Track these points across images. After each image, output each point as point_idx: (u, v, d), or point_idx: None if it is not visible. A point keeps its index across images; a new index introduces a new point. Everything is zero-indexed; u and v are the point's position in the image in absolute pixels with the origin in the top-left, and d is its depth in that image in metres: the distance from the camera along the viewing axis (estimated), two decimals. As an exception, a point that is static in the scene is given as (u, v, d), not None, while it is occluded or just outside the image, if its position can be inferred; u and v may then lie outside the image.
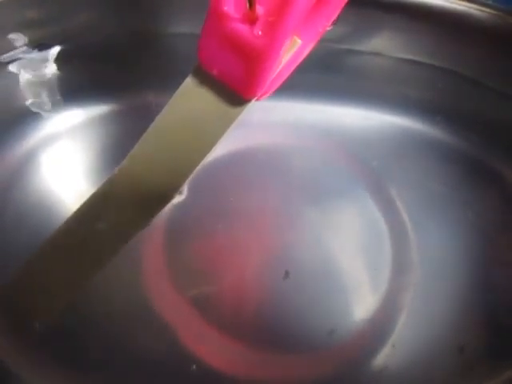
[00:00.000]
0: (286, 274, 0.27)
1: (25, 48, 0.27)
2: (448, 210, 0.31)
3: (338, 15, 0.21)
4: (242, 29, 0.17)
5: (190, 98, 0.20)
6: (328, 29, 0.21)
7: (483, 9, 0.28)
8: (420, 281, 0.28)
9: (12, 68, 0.27)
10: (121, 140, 0.29)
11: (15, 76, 0.28)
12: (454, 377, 0.26)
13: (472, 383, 0.26)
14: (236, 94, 0.19)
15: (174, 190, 0.20)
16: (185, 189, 0.28)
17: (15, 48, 0.27)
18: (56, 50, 0.28)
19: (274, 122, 0.32)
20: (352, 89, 0.33)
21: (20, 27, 0.26)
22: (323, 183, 0.31)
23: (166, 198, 0.21)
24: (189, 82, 0.20)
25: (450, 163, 0.32)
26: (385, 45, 0.30)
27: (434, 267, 0.29)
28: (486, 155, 0.32)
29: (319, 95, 0.33)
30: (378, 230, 0.30)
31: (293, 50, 0.19)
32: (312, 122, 0.32)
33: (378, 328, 0.27)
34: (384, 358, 0.26)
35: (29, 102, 0.29)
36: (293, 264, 0.28)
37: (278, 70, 0.19)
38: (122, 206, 0.21)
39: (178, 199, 0.28)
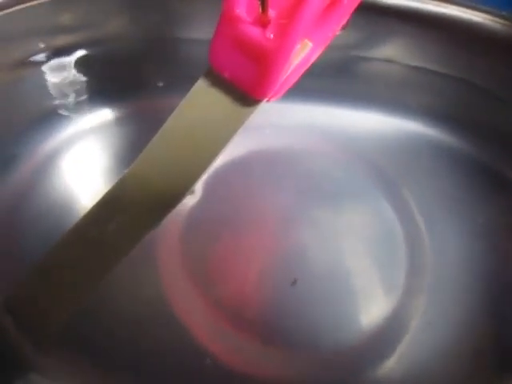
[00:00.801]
0: (295, 279, 0.27)
1: (53, 51, 0.28)
2: (461, 214, 0.31)
3: (349, 21, 0.21)
4: (254, 31, 0.18)
5: (201, 99, 0.20)
6: (338, 33, 0.21)
7: (496, 19, 0.28)
8: (434, 283, 0.28)
9: (40, 69, 0.28)
10: (140, 141, 0.30)
11: (43, 77, 0.28)
12: (468, 380, 0.26)
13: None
14: (246, 96, 0.20)
15: (185, 191, 0.20)
16: (199, 189, 0.28)
17: (45, 50, 0.27)
18: (82, 53, 0.29)
19: (286, 125, 0.32)
20: (365, 94, 0.33)
21: (51, 31, 0.27)
22: (337, 186, 0.31)
23: (176, 199, 0.21)
24: (200, 84, 0.20)
25: (462, 168, 0.33)
26: (397, 52, 0.31)
27: (447, 270, 0.29)
28: (496, 162, 0.32)
29: (332, 99, 0.33)
30: (392, 233, 0.30)
31: (304, 53, 0.19)
32: (325, 126, 0.33)
33: (391, 330, 0.27)
34: (397, 360, 0.26)
35: (55, 102, 0.30)
36: (305, 266, 0.28)
37: (289, 71, 0.19)
38: (132, 207, 0.21)
39: (191, 200, 0.28)
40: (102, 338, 0.25)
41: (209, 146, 0.20)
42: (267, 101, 0.20)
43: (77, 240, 0.22)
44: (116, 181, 0.21)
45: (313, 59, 0.20)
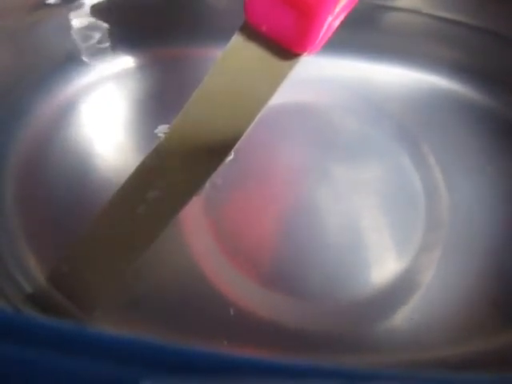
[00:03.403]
0: (317, 227, 0.27)
1: None
2: (482, 170, 0.31)
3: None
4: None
5: (239, 55, 0.20)
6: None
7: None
8: (450, 239, 0.28)
9: (61, 12, 0.27)
10: (161, 90, 0.29)
11: (64, 21, 0.28)
12: (492, 329, 0.26)
13: (508, 335, 0.26)
14: (286, 50, 0.19)
15: (227, 150, 0.20)
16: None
17: None
18: None
19: (306, 78, 0.31)
20: (387, 46, 0.32)
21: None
22: (356, 140, 0.31)
23: (218, 160, 0.20)
24: (236, 40, 0.20)
25: (485, 124, 0.32)
26: (423, 2, 0.30)
27: (464, 225, 0.29)
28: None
29: (353, 52, 0.32)
30: (411, 188, 0.30)
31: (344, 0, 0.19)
32: (345, 79, 0.32)
33: (405, 283, 0.27)
34: (409, 312, 0.26)
35: (76, 47, 0.29)
36: (324, 219, 0.28)
37: (329, 21, 0.18)
38: (173, 173, 0.21)
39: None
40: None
41: (250, 103, 0.20)
42: (307, 54, 0.19)
43: (117, 211, 0.21)
44: (139, 130, 0.20)
45: (352, 6, 0.20)
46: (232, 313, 0.24)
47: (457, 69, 0.32)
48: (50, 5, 0.26)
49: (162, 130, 0.24)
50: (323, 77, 0.32)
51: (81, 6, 0.27)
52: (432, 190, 0.30)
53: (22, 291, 0.23)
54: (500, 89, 0.32)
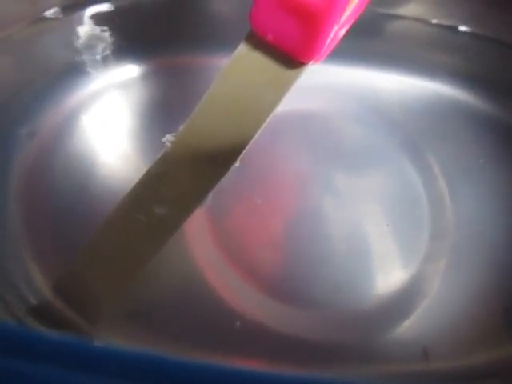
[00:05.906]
0: (322, 236, 0.27)
1: (76, 3, 0.27)
2: (484, 177, 0.31)
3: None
4: (301, -11, 0.17)
5: (244, 64, 0.20)
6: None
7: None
8: (454, 248, 0.28)
9: (64, 22, 0.27)
10: (165, 98, 0.30)
11: (67, 31, 0.28)
12: (499, 339, 0.26)
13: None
14: (292, 58, 0.19)
15: (233, 159, 0.20)
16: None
17: (67, 2, 0.27)
18: (106, 6, 0.28)
19: (309, 85, 0.31)
20: (390, 54, 0.32)
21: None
22: (359, 148, 0.31)
23: (224, 168, 0.20)
24: (242, 49, 0.20)
25: (488, 131, 0.32)
26: (427, 10, 0.30)
27: (468, 234, 0.28)
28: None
29: (356, 60, 0.32)
30: (415, 197, 0.29)
31: (350, 9, 0.19)
32: (348, 87, 0.32)
33: (410, 293, 0.27)
34: (414, 322, 0.26)
35: (79, 57, 0.29)
36: (328, 227, 0.28)
37: (335, 30, 0.18)
38: (179, 181, 0.21)
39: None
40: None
41: (256, 111, 0.20)
42: (313, 63, 0.19)
43: (122, 220, 0.21)
44: (142, 138, 0.20)
45: (358, 15, 0.20)
46: (238, 325, 0.24)
47: (459, 76, 0.33)
48: (52, 15, 0.26)
49: (168, 138, 0.24)
50: (327, 85, 0.32)
51: (84, 16, 0.27)
52: (436, 197, 0.30)
53: (25, 302, 0.23)
54: (502, 95, 0.32)
